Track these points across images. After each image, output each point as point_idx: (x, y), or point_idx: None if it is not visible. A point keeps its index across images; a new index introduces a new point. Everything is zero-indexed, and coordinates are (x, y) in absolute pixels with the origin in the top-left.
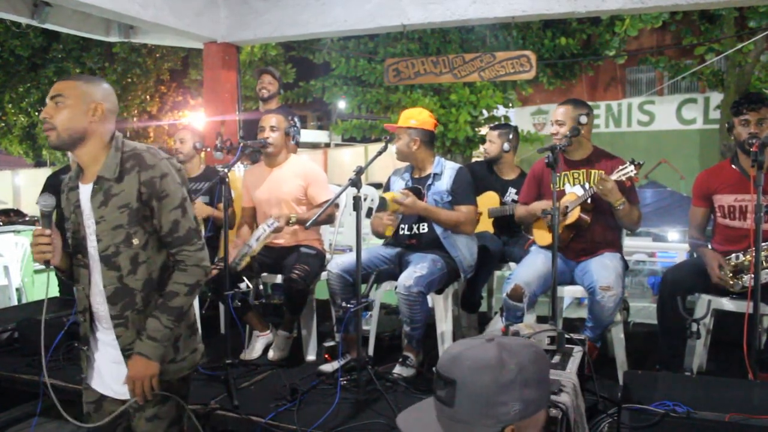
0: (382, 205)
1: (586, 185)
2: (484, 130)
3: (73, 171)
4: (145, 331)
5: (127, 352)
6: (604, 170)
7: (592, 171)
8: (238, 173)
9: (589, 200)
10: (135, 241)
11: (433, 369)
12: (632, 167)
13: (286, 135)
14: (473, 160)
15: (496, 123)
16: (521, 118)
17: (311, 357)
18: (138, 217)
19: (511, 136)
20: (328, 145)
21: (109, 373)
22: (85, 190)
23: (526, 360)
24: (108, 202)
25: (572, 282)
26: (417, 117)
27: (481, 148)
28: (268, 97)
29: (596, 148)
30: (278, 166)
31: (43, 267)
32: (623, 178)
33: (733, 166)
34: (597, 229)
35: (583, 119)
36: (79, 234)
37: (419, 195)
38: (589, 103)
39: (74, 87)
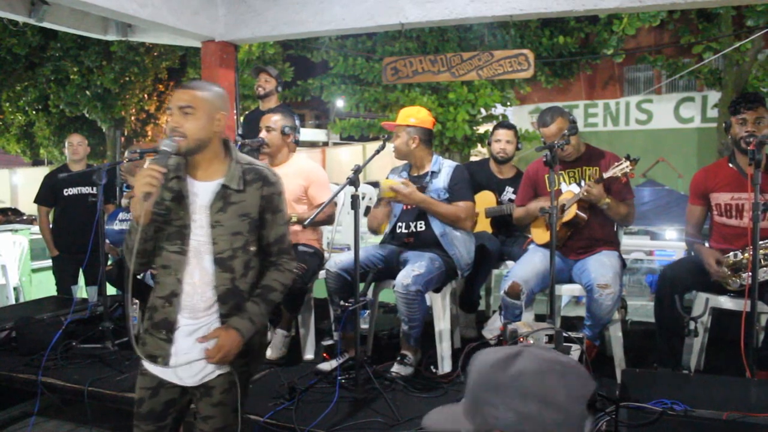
0: (381, 189)
1: (582, 183)
2: (482, 129)
3: (174, 161)
4: (247, 312)
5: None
6: (598, 167)
7: (587, 168)
8: None
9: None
10: (252, 248)
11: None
12: (627, 163)
13: (284, 134)
14: (471, 158)
15: (503, 121)
16: (519, 116)
17: (309, 356)
18: (254, 226)
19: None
20: (326, 144)
21: (179, 359)
22: (200, 188)
23: (533, 371)
24: (227, 209)
25: (570, 280)
26: (416, 115)
27: (497, 147)
28: (265, 95)
29: (588, 146)
30: (279, 165)
31: (41, 266)
32: (619, 174)
33: (730, 164)
34: (594, 227)
35: (573, 122)
36: (180, 222)
37: (420, 190)
38: (587, 101)
39: (201, 98)
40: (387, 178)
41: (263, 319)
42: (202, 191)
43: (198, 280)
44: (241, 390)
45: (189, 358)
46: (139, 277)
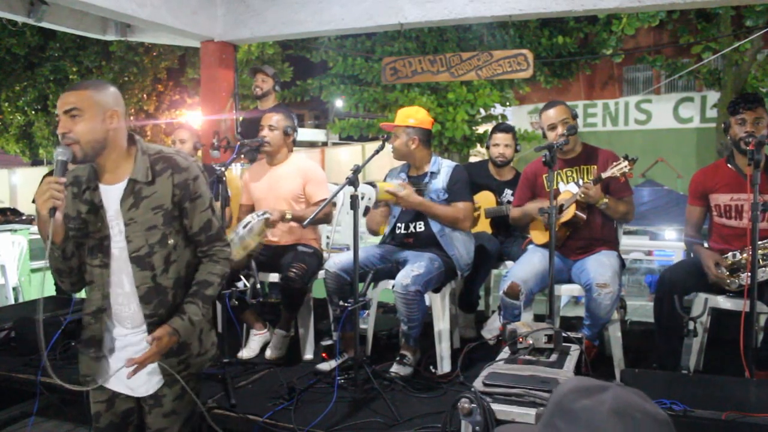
0: (377, 192)
1: (580, 182)
2: (481, 129)
3: (87, 171)
4: (186, 313)
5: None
6: (596, 165)
7: (585, 167)
8: (235, 172)
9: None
10: (170, 241)
11: None
12: (626, 163)
13: (285, 134)
14: (471, 158)
15: (500, 124)
16: (518, 116)
17: (309, 356)
18: (170, 217)
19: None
20: (325, 144)
21: (121, 371)
22: (112, 192)
23: (609, 410)
24: (139, 204)
25: (569, 280)
26: (415, 116)
27: (495, 151)
28: (262, 95)
29: (584, 144)
30: (278, 164)
31: (40, 266)
32: (617, 173)
33: (729, 165)
34: (594, 227)
35: (572, 117)
36: (100, 234)
37: (419, 192)
38: (587, 101)
39: (87, 97)
40: (385, 179)
41: (202, 318)
42: (113, 194)
43: (129, 288)
44: (191, 396)
45: (129, 381)
46: None
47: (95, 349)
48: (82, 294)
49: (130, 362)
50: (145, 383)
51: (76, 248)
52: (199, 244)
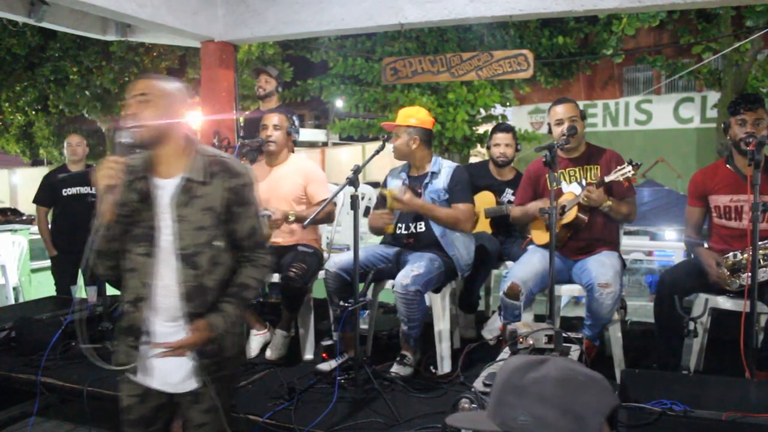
0: (382, 202)
1: (583, 182)
2: (481, 129)
3: (140, 160)
4: (224, 312)
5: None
6: (599, 165)
7: (588, 167)
8: None
9: None
10: (217, 243)
11: None
12: (630, 168)
13: (288, 134)
14: (471, 158)
15: (501, 123)
16: (518, 117)
17: (309, 356)
18: (219, 220)
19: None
20: (325, 144)
21: (159, 366)
22: (165, 185)
23: (555, 379)
24: (191, 203)
25: (570, 281)
26: (416, 115)
27: (496, 151)
28: (265, 95)
29: (589, 144)
30: (279, 164)
31: (40, 266)
32: (621, 178)
33: (728, 166)
34: (595, 228)
35: (581, 118)
36: (147, 224)
37: (415, 194)
38: (587, 102)
39: (158, 87)
40: (386, 179)
41: (237, 319)
42: (166, 188)
43: (170, 282)
44: (225, 394)
45: (164, 362)
46: None
47: (134, 338)
48: (83, 293)
49: (164, 345)
50: (182, 381)
51: (121, 233)
52: (243, 249)
